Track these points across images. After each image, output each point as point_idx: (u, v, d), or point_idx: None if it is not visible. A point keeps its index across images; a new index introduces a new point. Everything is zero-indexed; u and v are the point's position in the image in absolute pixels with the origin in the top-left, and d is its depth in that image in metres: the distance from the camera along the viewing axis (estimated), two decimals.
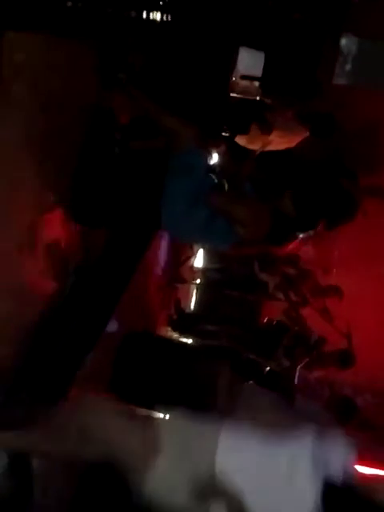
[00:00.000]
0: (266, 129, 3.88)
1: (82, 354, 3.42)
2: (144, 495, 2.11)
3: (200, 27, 3.53)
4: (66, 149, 3.25)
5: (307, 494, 2.03)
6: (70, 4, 2.46)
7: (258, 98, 3.91)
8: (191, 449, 2.20)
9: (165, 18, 2.85)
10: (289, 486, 2.05)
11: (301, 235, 3.57)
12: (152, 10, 2.82)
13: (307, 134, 3.94)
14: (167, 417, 2.59)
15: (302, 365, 4.36)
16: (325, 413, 4.32)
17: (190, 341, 4.66)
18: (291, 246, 3.84)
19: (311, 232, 3.42)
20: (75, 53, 3.18)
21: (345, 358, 4.49)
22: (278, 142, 3.99)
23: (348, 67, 4.24)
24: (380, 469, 5.10)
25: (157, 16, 2.82)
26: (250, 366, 4.37)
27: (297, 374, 4.29)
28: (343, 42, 4.28)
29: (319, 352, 4.51)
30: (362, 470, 5.11)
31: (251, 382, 4.27)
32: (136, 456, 2.19)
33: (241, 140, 3.98)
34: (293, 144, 3.97)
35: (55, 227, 3.31)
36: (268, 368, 4.41)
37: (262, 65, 3.76)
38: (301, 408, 4.24)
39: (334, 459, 2.12)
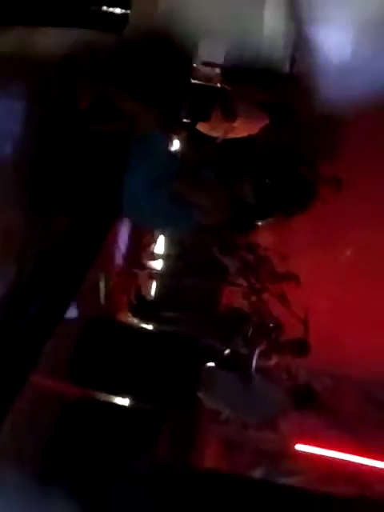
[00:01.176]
0: (230, 116, 3.90)
1: (42, 340, 3.41)
2: None
3: None
4: (23, 132, 3.21)
5: None
6: None
7: (219, 85, 3.92)
8: None
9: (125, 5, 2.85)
10: None
11: (260, 222, 3.61)
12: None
13: (267, 121, 3.97)
14: None
15: (259, 351, 4.41)
16: (282, 394, 4.41)
17: (149, 327, 4.68)
18: (250, 233, 3.89)
19: (270, 219, 3.47)
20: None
21: (300, 347, 4.56)
22: (240, 129, 4.02)
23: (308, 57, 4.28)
24: (337, 451, 5.23)
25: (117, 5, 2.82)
26: (209, 351, 4.42)
27: (255, 360, 4.35)
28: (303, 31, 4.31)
29: (276, 339, 4.58)
30: (319, 451, 5.25)
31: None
32: None
33: (202, 127, 3.99)
34: (254, 132, 4.00)
35: (13, 212, 3.28)
36: (226, 352, 4.46)
37: (224, 52, 3.77)
38: (258, 389, 4.33)
39: None
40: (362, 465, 5.10)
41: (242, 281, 4.79)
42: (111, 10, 2.86)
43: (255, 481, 4.52)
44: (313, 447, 5.18)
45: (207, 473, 4.20)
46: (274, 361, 4.53)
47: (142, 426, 3.98)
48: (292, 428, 4.99)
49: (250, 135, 4.00)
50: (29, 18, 2.84)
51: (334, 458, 5.15)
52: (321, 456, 5.13)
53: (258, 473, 4.72)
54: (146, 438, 3.95)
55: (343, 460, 5.13)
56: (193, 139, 3.96)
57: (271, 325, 4.59)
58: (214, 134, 4.03)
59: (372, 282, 5.01)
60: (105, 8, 2.90)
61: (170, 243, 4.74)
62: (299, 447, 5.17)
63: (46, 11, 2.84)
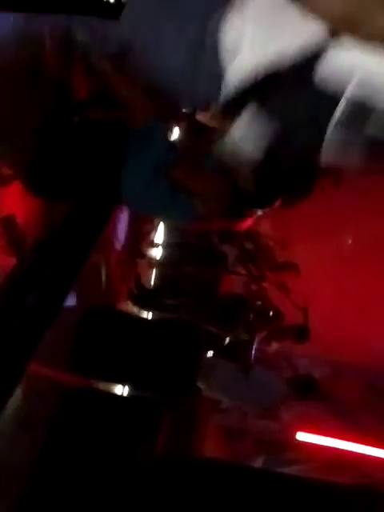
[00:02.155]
0: None
1: (41, 329, 3.40)
2: None
3: None
4: (23, 120, 3.19)
5: None
6: None
7: None
8: None
9: None
10: None
11: (259, 211, 3.59)
12: None
13: None
14: None
15: (260, 338, 4.42)
16: (281, 383, 4.40)
17: (150, 315, 4.68)
18: (249, 222, 3.86)
19: (269, 208, 3.44)
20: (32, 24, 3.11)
21: (300, 333, 4.58)
22: None
23: None
24: (338, 439, 5.22)
25: None
26: (209, 338, 4.41)
27: (255, 346, 4.36)
28: None
29: (276, 326, 4.58)
30: (320, 440, 5.25)
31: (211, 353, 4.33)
32: None
33: (202, 116, 3.97)
34: None
35: (12, 201, 3.27)
36: (227, 340, 4.46)
37: None
38: (258, 378, 4.32)
39: None
40: (363, 454, 5.10)
41: (241, 269, 4.78)
42: None
43: (256, 470, 4.51)
44: (314, 436, 5.18)
45: (207, 462, 4.19)
46: (273, 347, 4.53)
47: (142, 415, 3.98)
48: (293, 417, 4.98)
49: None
50: (25, 3, 2.81)
51: (336, 447, 5.15)
52: (322, 445, 5.13)
53: (258, 462, 4.72)
54: (146, 428, 3.94)
55: (345, 449, 5.13)
56: (193, 128, 3.93)
57: (271, 313, 4.59)
58: (215, 122, 4.00)
59: (372, 270, 4.99)
60: None
61: (169, 231, 4.72)
62: (300, 436, 5.17)
63: None
